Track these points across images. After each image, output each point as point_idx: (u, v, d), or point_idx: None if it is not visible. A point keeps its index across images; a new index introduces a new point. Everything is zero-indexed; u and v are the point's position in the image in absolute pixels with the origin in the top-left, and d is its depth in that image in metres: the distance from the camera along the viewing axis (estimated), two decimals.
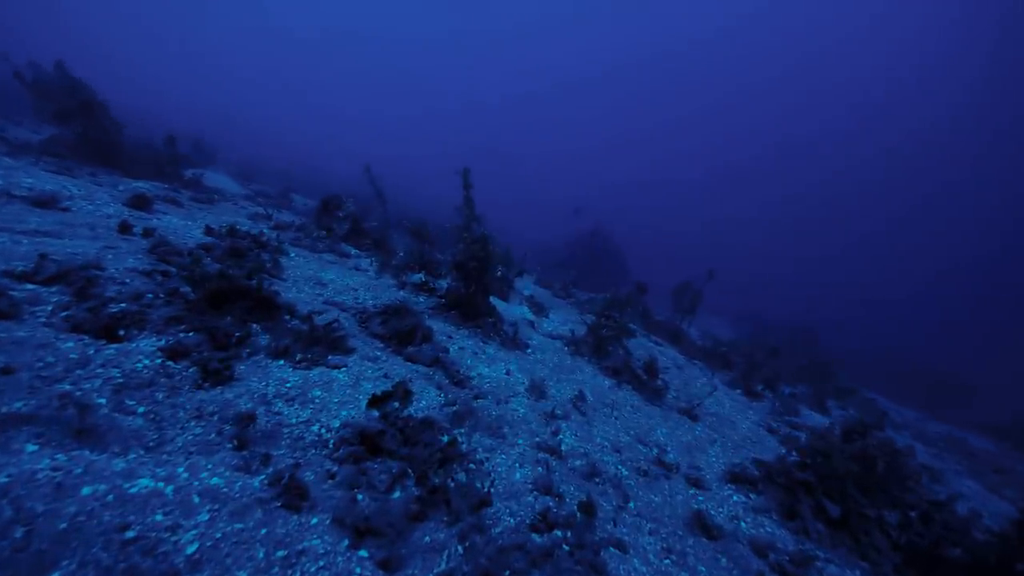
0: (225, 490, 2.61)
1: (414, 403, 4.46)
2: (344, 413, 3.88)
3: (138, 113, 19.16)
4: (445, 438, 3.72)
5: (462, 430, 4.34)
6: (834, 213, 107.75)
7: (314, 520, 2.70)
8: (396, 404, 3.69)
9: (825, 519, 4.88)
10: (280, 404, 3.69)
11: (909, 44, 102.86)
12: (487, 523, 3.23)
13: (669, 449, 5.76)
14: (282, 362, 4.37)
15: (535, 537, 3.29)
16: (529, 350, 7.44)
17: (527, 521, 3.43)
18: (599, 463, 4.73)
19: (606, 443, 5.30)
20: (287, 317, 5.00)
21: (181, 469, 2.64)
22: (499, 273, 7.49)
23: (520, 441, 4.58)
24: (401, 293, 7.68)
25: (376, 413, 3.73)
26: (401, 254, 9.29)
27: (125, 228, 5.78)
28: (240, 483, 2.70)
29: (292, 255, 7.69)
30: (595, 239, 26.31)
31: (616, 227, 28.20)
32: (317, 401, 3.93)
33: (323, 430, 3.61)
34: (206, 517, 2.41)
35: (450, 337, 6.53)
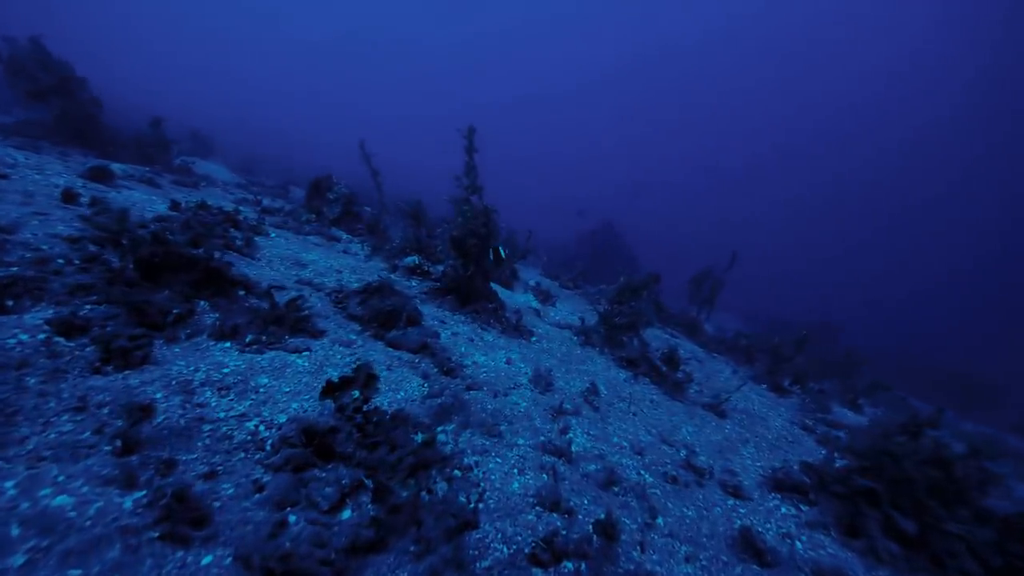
0: (71, 515, 1.72)
1: (390, 394, 3.56)
2: (294, 406, 2.99)
3: (140, 110, 18.53)
4: (420, 437, 2.80)
5: (448, 427, 3.42)
6: (837, 214, 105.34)
7: (207, 559, 1.80)
8: (356, 394, 2.79)
9: (897, 537, 3.88)
10: (208, 394, 2.80)
11: (916, 39, 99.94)
12: (470, 555, 2.31)
13: (698, 450, 4.79)
14: (228, 344, 3.49)
15: (537, 574, 2.36)
16: (534, 338, 6.50)
17: (526, 550, 2.50)
18: (618, 468, 3.78)
19: (624, 443, 4.35)
20: (242, 293, 4.13)
21: (10, 484, 1.76)
22: (503, 253, 6.57)
23: (520, 441, 3.65)
24: (392, 276, 6.80)
25: (333, 405, 2.84)
26: (396, 241, 8.42)
27: (70, 197, 4.96)
28: (100, 504, 1.81)
29: (273, 235, 6.85)
30: (599, 236, 25.32)
31: (620, 228, 27.16)
32: (261, 391, 3.03)
33: (262, 427, 2.72)
34: (20, 560, 1.52)
35: (443, 322, 5.62)
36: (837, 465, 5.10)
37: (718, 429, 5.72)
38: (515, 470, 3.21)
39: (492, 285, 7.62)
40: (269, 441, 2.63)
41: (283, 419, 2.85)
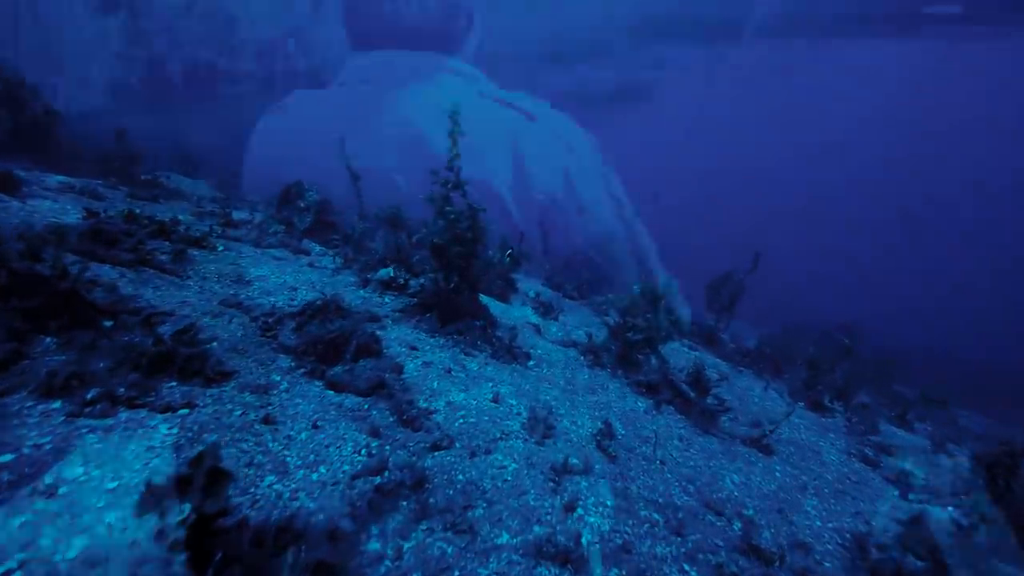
0: None
1: (300, 473, 2.27)
2: (109, 521, 1.71)
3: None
4: None
5: (387, 526, 2.12)
6: (839, 214, 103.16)
7: None
8: (187, 509, 1.51)
9: None
10: None
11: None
12: None
13: (753, 511, 3.45)
14: (58, 404, 2.24)
15: None
16: (531, 362, 5.20)
17: None
18: (651, 569, 2.45)
19: (655, 515, 3.01)
20: (109, 324, 2.88)
21: None
22: (500, 258, 5.33)
23: (504, 538, 2.34)
24: (361, 292, 5.56)
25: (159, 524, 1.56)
26: (378, 252, 7.20)
27: None
28: None
29: (220, 248, 5.64)
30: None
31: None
32: (60, 493, 1.76)
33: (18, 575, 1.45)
34: None
35: (414, 348, 4.34)
36: (942, 520, 3.74)
37: (768, 472, 4.35)
38: None
39: (483, 298, 6.36)
40: None
41: (76, 551, 1.58)
